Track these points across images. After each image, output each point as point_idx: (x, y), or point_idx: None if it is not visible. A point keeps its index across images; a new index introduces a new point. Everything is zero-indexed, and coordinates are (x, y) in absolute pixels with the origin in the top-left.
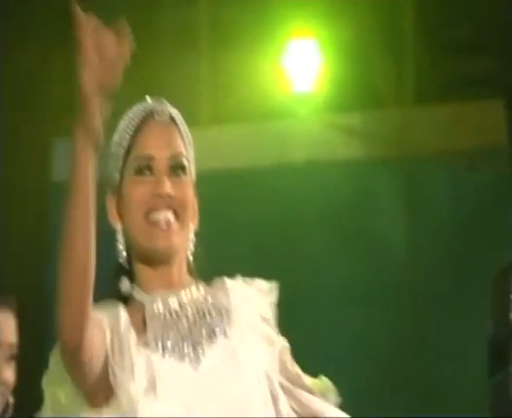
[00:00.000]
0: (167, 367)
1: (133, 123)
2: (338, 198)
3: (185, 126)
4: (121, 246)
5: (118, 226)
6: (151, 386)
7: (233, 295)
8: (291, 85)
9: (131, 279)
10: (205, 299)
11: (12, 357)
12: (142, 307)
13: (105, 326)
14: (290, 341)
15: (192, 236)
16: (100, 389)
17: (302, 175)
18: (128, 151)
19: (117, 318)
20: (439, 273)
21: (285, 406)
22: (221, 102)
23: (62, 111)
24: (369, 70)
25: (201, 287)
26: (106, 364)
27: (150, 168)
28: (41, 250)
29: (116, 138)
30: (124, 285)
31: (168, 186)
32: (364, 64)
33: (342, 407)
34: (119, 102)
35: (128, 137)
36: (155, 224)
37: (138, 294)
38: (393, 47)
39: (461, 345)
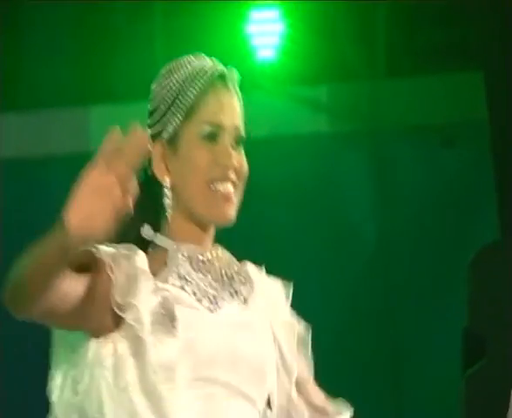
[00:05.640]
0: (185, 298)
1: (202, 81)
2: (302, 175)
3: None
4: (169, 202)
5: (167, 182)
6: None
7: (256, 273)
8: (253, 56)
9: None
10: (230, 264)
11: None
12: (164, 254)
13: (106, 259)
14: None
15: None
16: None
17: (264, 151)
18: (192, 110)
19: (129, 250)
20: (411, 256)
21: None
22: None
23: (8, 85)
24: (337, 40)
25: (227, 254)
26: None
27: (216, 137)
28: None
29: (172, 85)
30: (147, 230)
31: (234, 159)
32: (332, 34)
33: None
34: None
35: (193, 94)
36: (217, 194)
37: (163, 241)
38: (363, 15)
39: (435, 333)
